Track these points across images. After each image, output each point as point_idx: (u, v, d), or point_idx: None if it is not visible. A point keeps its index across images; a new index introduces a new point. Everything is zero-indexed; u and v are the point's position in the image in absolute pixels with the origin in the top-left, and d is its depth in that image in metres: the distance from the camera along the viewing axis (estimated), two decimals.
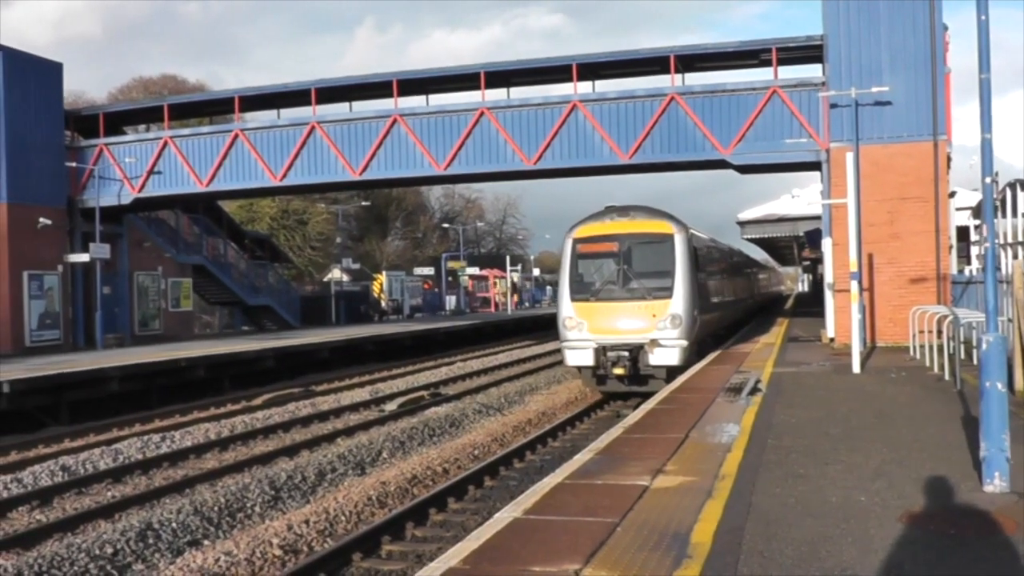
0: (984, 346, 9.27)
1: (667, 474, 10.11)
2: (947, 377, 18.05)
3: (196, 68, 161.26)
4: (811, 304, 54.13)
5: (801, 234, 49.23)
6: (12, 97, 36.76)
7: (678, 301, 22.46)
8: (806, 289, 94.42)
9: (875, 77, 27.33)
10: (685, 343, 22.30)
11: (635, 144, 31.11)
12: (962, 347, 18.24)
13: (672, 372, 21.89)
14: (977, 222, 32.45)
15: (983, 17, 9.63)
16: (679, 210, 25.42)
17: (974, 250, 41.99)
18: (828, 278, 27.98)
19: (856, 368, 20.11)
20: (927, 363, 20.66)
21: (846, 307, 23.94)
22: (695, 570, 6.81)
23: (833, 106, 27.94)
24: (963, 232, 39.54)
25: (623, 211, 23.96)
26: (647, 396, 19.05)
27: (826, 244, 27.84)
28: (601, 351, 22.52)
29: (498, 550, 7.47)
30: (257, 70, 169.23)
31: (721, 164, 31.48)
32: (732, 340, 31.60)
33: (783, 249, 71.89)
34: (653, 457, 11.08)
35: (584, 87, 33.83)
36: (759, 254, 75.52)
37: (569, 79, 33.02)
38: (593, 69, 34.32)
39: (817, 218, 36.91)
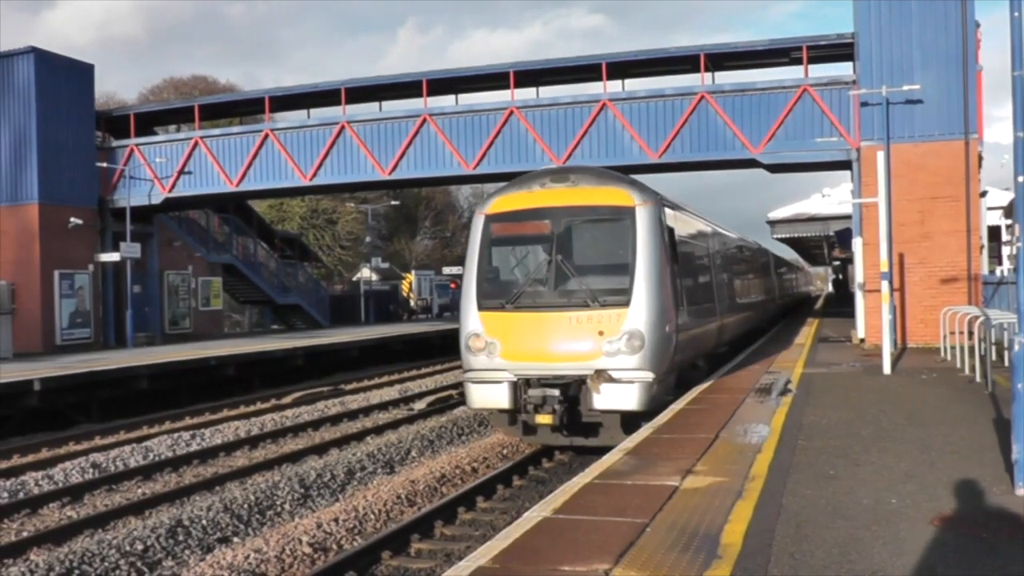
0: (1016, 347, 9.18)
1: (697, 474, 10.08)
2: (978, 379, 17.91)
3: (235, 69, 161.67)
4: (841, 304, 53.82)
5: (831, 234, 49.04)
6: (44, 99, 37.08)
7: (641, 311, 15.39)
8: (835, 290, 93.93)
9: (906, 75, 27.14)
10: (650, 376, 15.21)
11: (665, 143, 31.04)
12: (993, 348, 18.09)
13: (630, 420, 15.64)
14: (1009, 222, 32.24)
15: (1016, 14, 9.54)
16: (711, 209, 23.65)
17: (1006, 250, 41.80)
18: (858, 278, 27.90)
19: (887, 369, 19.98)
20: (958, 364, 20.51)
21: (876, 307, 23.80)
22: (725, 571, 6.78)
23: (864, 104, 27.76)
24: (995, 232, 39.34)
25: (561, 174, 17.08)
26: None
27: (856, 244, 27.82)
28: (521, 387, 15.71)
29: (527, 549, 7.47)
30: (295, 71, 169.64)
31: (751, 163, 31.36)
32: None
33: (813, 249, 71.58)
34: (683, 457, 11.05)
35: (614, 86, 33.76)
36: (789, 254, 75.22)
37: (599, 78, 32.94)
38: (623, 68, 34.24)
39: (847, 218, 36.71)
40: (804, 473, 10.09)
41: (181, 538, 13.08)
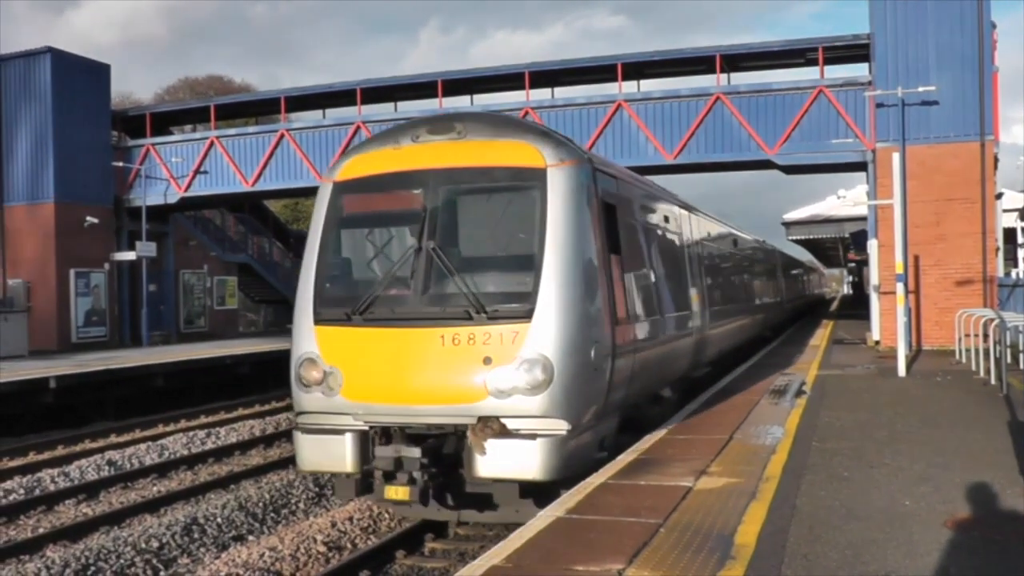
0: None
1: (711, 475, 10.08)
2: (993, 382, 17.87)
3: (256, 70, 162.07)
4: (856, 306, 53.69)
5: (847, 235, 48.94)
6: (61, 98, 37.25)
7: (549, 326, 10.46)
8: (851, 291, 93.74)
9: (922, 76, 27.08)
10: (563, 426, 10.35)
11: (680, 144, 31.01)
12: (1008, 351, 18.05)
13: (535, 491, 10.74)
14: None
15: None
16: (727, 211, 22.88)
17: (1021, 252, 41.65)
18: (874, 280, 27.85)
19: (901, 371, 19.94)
20: (973, 367, 20.46)
21: (891, 309, 23.75)
22: (739, 571, 6.79)
23: (879, 106, 27.70)
24: (1010, 234, 39.21)
25: (443, 122, 11.86)
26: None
27: (871, 245, 27.78)
28: (371, 439, 10.96)
29: (541, 549, 7.49)
30: (315, 72, 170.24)
31: (766, 164, 31.31)
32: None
33: (829, 251, 71.38)
34: (697, 458, 11.05)
35: (630, 87, 33.77)
36: (804, 255, 75.10)
37: (614, 79, 32.95)
38: (638, 68, 34.26)
39: (863, 219, 36.67)
40: (818, 475, 10.08)
41: (196, 536, 13.16)
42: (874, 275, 28.22)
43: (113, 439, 21.35)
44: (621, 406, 12.28)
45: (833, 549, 7.35)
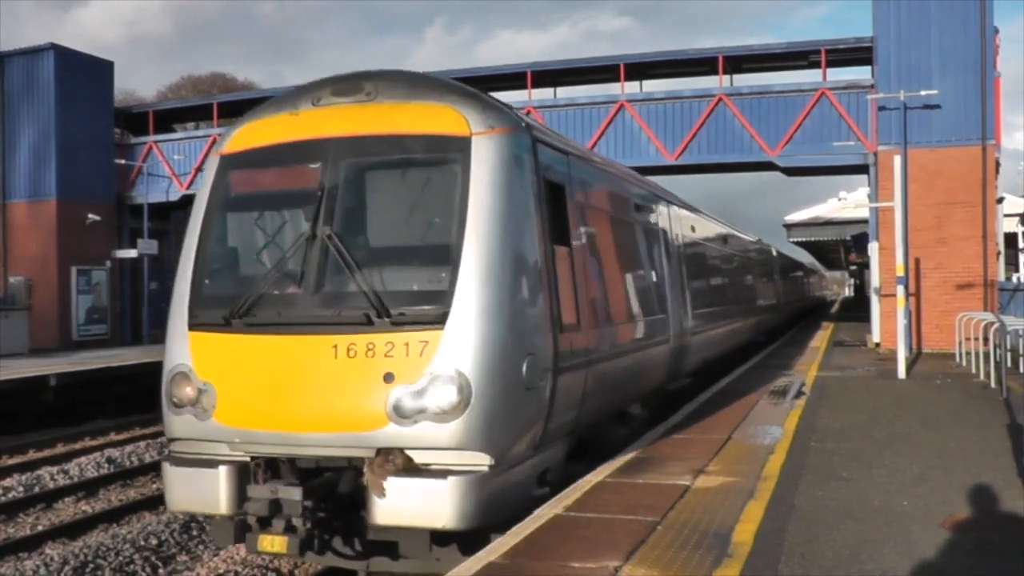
0: None
1: (709, 474, 10.09)
2: (993, 385, 17.87)
3: (262, 68, 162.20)
4: (857, 309, 53.67)
5: (848, 238, 48.98)
6: (63, 95, 37.23)
7: (468, 333, 8.51)
8: (852, 294, 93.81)
9: (924, 80, 27.08)
10: (486, 461, 8.42)
11: (682, 145, 31.00)
12: (1009, 355, 18.05)
13: (449, 540, 8.76)
14: None
15: None
16: (728, 213, 22.42)
17: (1022, 257, 41.66)
18: (874, 282, 27.87)
19: (901, 373, 19.95)
20: (973, 370, 20.47)
21: (892, 312, 23.74)
22: (735, 570, 6.80)
23: (881, 109, 27.70)
24: (1011, 239, 39.21)
25: (352, 81, 9.71)
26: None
27: (872, 248, 27.80)
28: (248, 474, 8.87)
29: (538, 546, 7.51)
30: (321, 71, 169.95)
31: (768, 166, 31.31)
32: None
33: (830, 253, 71.54)
34: (695, 457, 11.06)
35: (632, 87, 33.77)
36: (805, 257, 75.12)
37: (617, 79, 32.95)
38: (641, 69, 34.25)
39: (864, 222, 36.68)
40: (817, 475, 10.09)
41: (195, 533, 13.17)
42: (875, 278, 28.23)
43: (112, 437, 21.38)
44: (571, 430, 10.35)
45: (830, 548, 7.36)
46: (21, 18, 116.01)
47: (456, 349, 8.35)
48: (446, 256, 8.68)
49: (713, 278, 21.37)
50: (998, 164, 27.99)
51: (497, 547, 7.47)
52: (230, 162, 9.93)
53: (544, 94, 34.55)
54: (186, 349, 9.17)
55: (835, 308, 77.86)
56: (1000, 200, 28.92)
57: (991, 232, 27.14)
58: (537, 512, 8.60)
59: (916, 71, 27.41)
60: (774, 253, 39.12)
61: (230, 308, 9.03)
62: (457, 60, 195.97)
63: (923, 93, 26.69)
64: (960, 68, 27.17)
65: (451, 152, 8.98)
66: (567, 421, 10.00)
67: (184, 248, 9.76)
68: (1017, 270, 40.51)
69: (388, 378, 8.33)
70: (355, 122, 9.34)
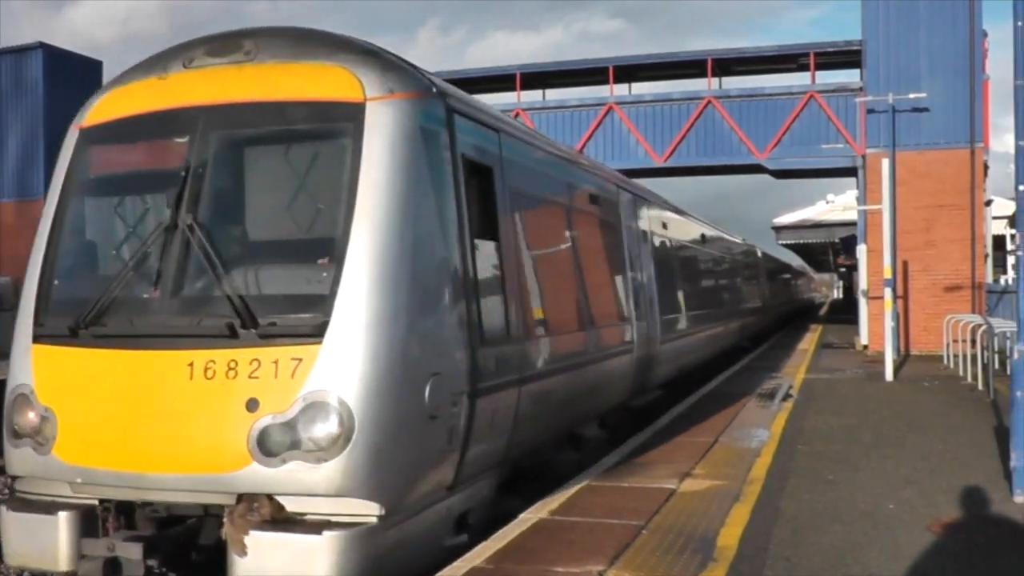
0: (1016, 356, 9.17)
1: (695, 478, 10.05)
2: (980, 387, 17.88)
3: None
4: (847, 311, 53.70)
5: (836, 240, 48.99)
6: (52, 94, 37.02)
7: (358, 345, 6.74)
8: (841, 296, 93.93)
9: (913, 83, 27.09)
10: (374, 510, 6.68)
11: (670, 147, 30.96)
12: (996, 357, 18.06)
13: None
14: (1013, 231, 32.17)
15: (1020, 23, 9.51)
16: (717, 216, 22.52)
17: (1011, 260, 41.71)
18: (862, 285, 27.88)
19: (889, 376, 19.95)
20: (961, 373, 20.46)
21: (880, 314, 23.74)
22: (720, 573, 6.76)
23: (870, 111, 27.71)
24: (1000, 241, 39.24)
25: (228, 40, 7.97)
26: None
27: (860, 250, 27.82)
28: (101, 520, 7.22)
29: (522, 550, 7.44)
30: None
31: (757, 169, 31.32)
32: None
33: (819, 255, 71.60)
34: (681, 460, 11.02)
35: (622, 90, 33.72)
36: (794, 259, 75.16)
37: (606, 81, 32.89)
38: (630, 71, 34.21)
39: (853, 224, 36.67)
40: (803, 478, 10.06)
41: None
42: (863, 280, 28.25)
43: None
44: (500, 461, 8.78)
45: (816, 551, 7.33)
46: (13, 17, 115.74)
47: (336, 369, 6.69)
48: (329, 251, 7.01)
49: (689, 280, 19.88)
50: (986, 167, 28.03)
51: (481, 551, 7.40)
52: (89, 137, 8.37)
53: (533, 96, 34.47)
54: (28, 365, 7.52)
55: (824, 310, 77.97)
56: (988, 203, 28.96)
57: (979, 234, 27.17)
58: (522, 516, 8.52)
59: (905, 74, 27.43)
60: (759, 254, 38.41)
61: (76, 317, 7.33)
62: (450, 61, 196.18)
63: (912, 96, 26.73)
64: (949, 71, 27.19)
65: (340, 121, 7.33)
66: (495, 450, 8.48)
67: (35, 240, 8.09)
68: (1005, 272, 40.54)
69: (252, 405, 6.66)
70: (229, 87, 7.62)
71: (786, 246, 55.65)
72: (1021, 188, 9.64)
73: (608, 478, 10.12)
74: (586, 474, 10.26)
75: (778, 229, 50.69)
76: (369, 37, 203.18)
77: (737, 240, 31.07)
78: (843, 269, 74.20)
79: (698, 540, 7.62)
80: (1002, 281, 32.82)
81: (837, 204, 48.53)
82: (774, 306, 42.02)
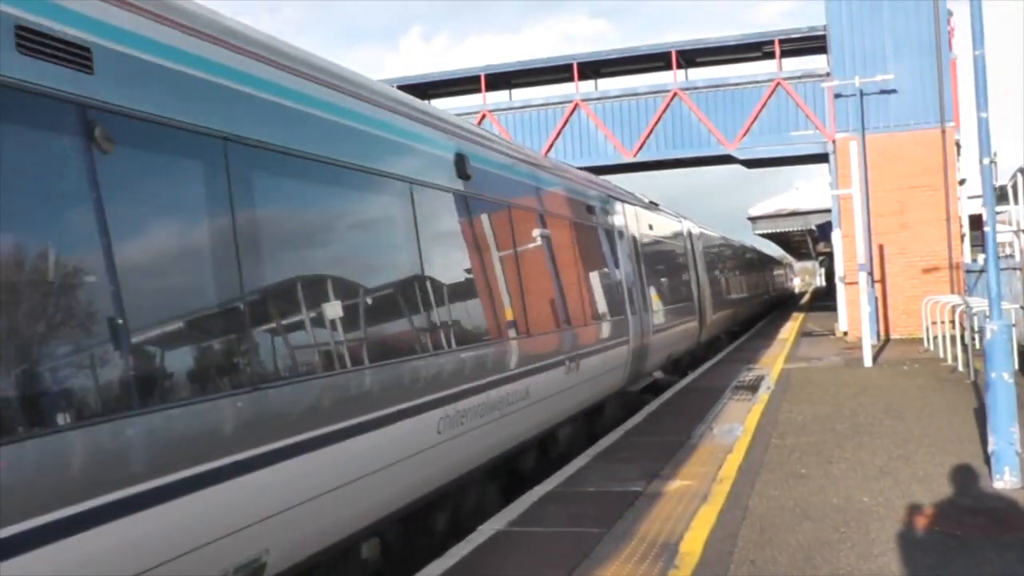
0: (988, 334, 8.85)
1: (662, 478, 9.68)
2: (961, 368, 17.60)
3: None
4: (827, 298, 53.48)
5: (814, 228, 48.69)
6: None
7: None
8: (823, 283, 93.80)
9: (879, 65, 26.86)
10: None
11: (639, 142, 30.65)
12: (976, 337, 17.78)
13: None
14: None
15: None
16: (694, 209, 21.55)
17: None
18: (838, 271, 27.63)
19: (868, 362, 19.67)
20: (941, 354, 20.19)
21: (858, 300, 23.49)
22: None
23: (838, 96, 27.45)
24: (977, 221, 38.99)
25: None
26: None
27: (835, 236, 27.56)
28: None
29: (477, 566, 7.07)
30: None
31: (727, 159, 31.04)
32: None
33: (798, 243, 71.28)
34: (650, 460, 10.65)
35: (587, 87, 33.41)
36: (775, 249, 74.93)
37: (571, 79, 32.56)
38: (595, 68, 33.88)
39: (828, 211, 36.45)
40: (774, 473, 9.70)
41: None
42: (839, 266, 27.99)
43: None
44: None
45: (783, 553, 6.96)
46: None
47: None
48: None
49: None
50: (959, 146, 27.77)
51: (431, 570, 7.01)
52: None
53: (499, 97, 34.10)
54: None
55: (806, 298, 77.76)
56: (962, 182, 28.67)
57: (954, 214, 26.95)
58: (480, 528, 8.15)
59: (871, 56, 27.19)
60: (737, 246, 38.33)
61: None
62: (436, 65, 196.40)
63: (879, 78, 26.50)
64: (915, 51, 26.98)
65: None
66: None
67: None
68: (984, 251, 40.45)
69: None
70: None
71: (764, 235, 55.23)
72: (986, 161, 9.33)
73: (572, 483, 9.74)
74: (549, 481, 9.88)
75: (754, 219, 50.22)
76: (351, 48, 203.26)
77: (675, 217, 24.61)
78: (822, 256, 73.99)
79: (660, 547, 7.25)
80: (980, 260, 32.60)
81: (811, 191, 48.15)
82: (755, 296, 42.72)
